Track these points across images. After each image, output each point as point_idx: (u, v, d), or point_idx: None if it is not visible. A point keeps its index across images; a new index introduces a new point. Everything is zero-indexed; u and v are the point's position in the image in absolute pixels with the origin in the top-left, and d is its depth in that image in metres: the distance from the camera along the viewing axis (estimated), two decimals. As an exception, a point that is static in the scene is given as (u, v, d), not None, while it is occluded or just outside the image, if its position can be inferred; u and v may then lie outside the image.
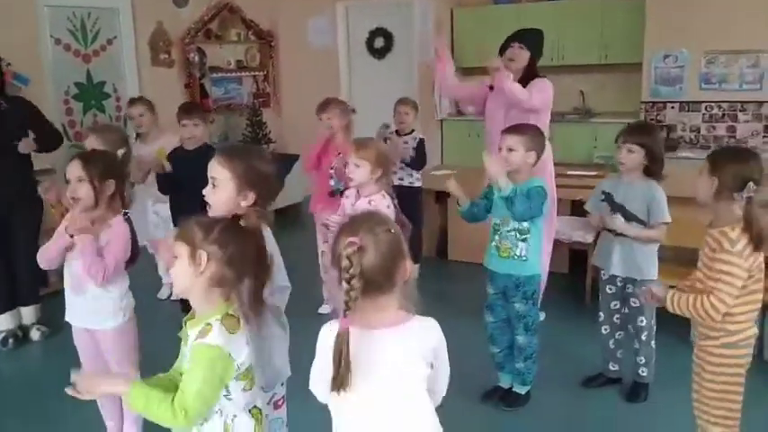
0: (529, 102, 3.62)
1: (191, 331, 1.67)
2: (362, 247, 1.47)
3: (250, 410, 1.72)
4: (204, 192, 2.03)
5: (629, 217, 2.95)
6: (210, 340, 1.61)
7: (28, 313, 4.08)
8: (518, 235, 2.91)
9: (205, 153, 3.52)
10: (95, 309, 2.54)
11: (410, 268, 1.57)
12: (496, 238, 2.97)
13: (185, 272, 1.65)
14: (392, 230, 1.54)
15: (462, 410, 2.97)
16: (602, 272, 3.16)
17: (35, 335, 4.05)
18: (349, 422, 1.61)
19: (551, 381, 3.29)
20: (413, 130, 4.59)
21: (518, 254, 2.92)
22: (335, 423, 1.64)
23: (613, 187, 3.03)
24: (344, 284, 1.46)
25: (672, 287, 2.36)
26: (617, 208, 2.98)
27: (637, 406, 3.12)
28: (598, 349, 3.43)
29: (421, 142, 4.56)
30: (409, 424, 1.60)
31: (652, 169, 2.94)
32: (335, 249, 1.52)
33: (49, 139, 4.07)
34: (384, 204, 2.98)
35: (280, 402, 2.11)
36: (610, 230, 3.03)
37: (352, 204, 3.13)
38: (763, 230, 2.17)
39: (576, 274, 4.66)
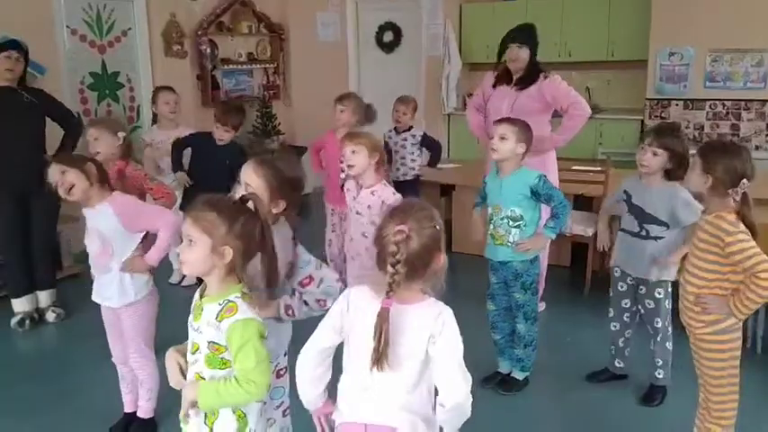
0: (580, 108, 3.72)
1: (207, 306, 1.76)
2: (410, 236, 1.58)
3: None
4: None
5: (647, 220, 2.92)
6: (243, 315, 1.70)
7: (44, 297, 4.21)
8: (510, 222, 2.98)
9: (231, 149, 3.99)
10: (117, 286, 2.68)
11: (443, 261, 1.67)
12: (491, 226, 3.05)
13: (203, 260, 1.72)
14: (437, 227, 1.65)
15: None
16: (615, 268, 3.14)
17: (50, 316, 4.17)
18: (348, 384, 1.74)
19: (550, 370, 3.38)
20: (411, 127, 4.60)
21: (511, 240, 3.00)
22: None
23: (633, 187, 2.99)
24: (390, 268, 1.58)
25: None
26: (634, 210, 2.96)
27: (631, 398, 3.16)
28: (597, 342, 3.51)
29: (425, 137, 4.59)
30: (396, 397, 1.68)
31: (675, 173, 2.83)
32: (381, 231, 1.63)
33: (74, 127, 4.22)
34: (389, 192, 3.02)
35: (282, 372, 2.21)
36: (625, 230, 3.03)
37: (354, 197, 3.14)
38: (755, 225, 2.24)
39: (577, 267, 4.74)
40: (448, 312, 1.68)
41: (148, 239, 2.75)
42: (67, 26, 5.40)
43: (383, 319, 1.59)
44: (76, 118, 4.41)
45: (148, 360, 2.83)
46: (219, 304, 1.73)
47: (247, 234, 1.74)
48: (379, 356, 1.60)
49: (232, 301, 1.73)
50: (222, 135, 4.03)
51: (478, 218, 3.16)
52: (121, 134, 3.26)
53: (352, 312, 1.71)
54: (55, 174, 2.61)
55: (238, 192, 2.10)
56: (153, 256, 2.67)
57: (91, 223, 2.67)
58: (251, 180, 2.06)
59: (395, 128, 4.63)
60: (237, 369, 1.69)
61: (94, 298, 2.78)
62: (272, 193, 2.04)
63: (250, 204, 1.81)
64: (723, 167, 2.24)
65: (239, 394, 1.68)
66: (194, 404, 1.75)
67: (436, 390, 1.72)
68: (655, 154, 2.84)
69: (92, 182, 2.61)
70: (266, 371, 1.70)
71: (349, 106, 4.19)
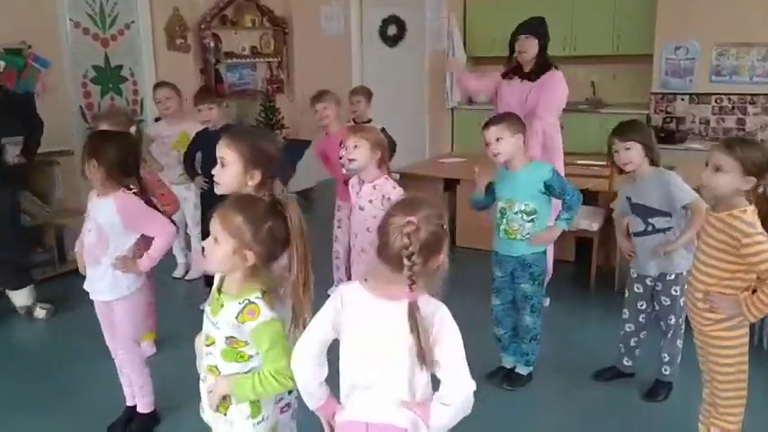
0: (552, 105, 3.75)
1: (228, 304, 1.77)
2: (418, 228, 1.56)
3: None
4: (213, 171, 2.15)
5: (650, 213, 2.92)
6: (265, 317, 1.73)
7: (22, 295, 4.10)
8: (525, 216, 2.96)
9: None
10: (109, 280, 2.67)
11: (442, 262, 1.64)
12: (504, 221, 3.02)
13: (226, 260, 1.73)
14: (444, 227, 1.63)
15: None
16: (632, 270, 3.12)
17: (40, 313, 4.10)
18: (348, 383, 1.72)
19: (554, 366, 3.37)
20: (369, 120, 4.44)
21: (525, 234, 2.98)
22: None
23: (630, 190, 3.01)
24: (406, 261, 1.55)
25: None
26: (637, 209, 2.96)
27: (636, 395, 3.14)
28: (602, 337, 3.51)
29: (383, 131, 4.52)
30: (399, 395, 1.66)
31: (655, 160, 2.93)
32: (388, 222, 1.59)
33: (37, 133, 4.18)
34: (390, 186, 2.99)
35: None
36: (633, 233, 3.02)
37: (357, 193, 3.14)
38: None
39: (581, 262, 4.71)
40: (444, 310, 1.65)
41: (145, 238, 2.73)
42: (71, 19, 5.38)
43: (413, 314, 1.57)
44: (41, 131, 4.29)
45: (135, 356, 2.81)
46: (240, 303, 1.74)
47: (272, 239, 1.75)
48: (423, 353, 1.57)
49: (253, 303, 1.74)
50: (207, 115, 3.98)
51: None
52: (133, 128, 3.26)
53: (346, 310, 1.69)
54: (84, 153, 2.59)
55: (215, 169, 2.12)
56: (145, 263, 2.67)
57: (93, 213, 2.66)
58: (224, 154, 2.08)
59: (353, 119, 4.48)
60: (271, 368, 1.74)
61: (86, 287, 2.76)
62: (246, 165, 2.06)
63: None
64: (765, 168, 2.17)
65: (278, 388, 1.76)
66: (225, 397, 1.80)
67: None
68: (627, 149, 2.90)
69: (108, 174, 2.59)
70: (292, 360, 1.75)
71: (329, 102, 4.17)
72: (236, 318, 1.74)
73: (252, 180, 2.08)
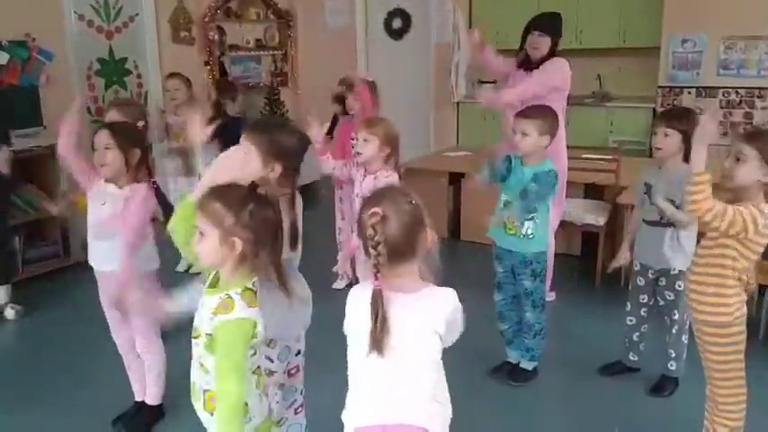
0: (531, 91, 3.62)
1: (209, 298, 1.73)
2: (385, 216, 1.54)
3: (253, 371, 1.79)
4: None
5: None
6: (237, 314, 1.67)
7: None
8: (526, 213, 2.93)
9: (232, 125, 3.75)
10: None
11: (432, 238, 1.62)
12: (505, 214, 3.00)
13: (215, 252, 1.69)
14: (413, 201, 1.61)
15: (471, 384, 3.06)
16: (635, 262, 3.10)
17: (9, 314, 4.06)
18: (361, 384, 1.68)
19: (559, 361, 3.36)
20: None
21: (524, 233, 2.96)
22: (351, 385, 1.72)
23: (653, 177, 2.94)
24: (372, 251, 1.54)
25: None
26: (657, 199, 2.88)
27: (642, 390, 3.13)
28: (607, 332, 3.49)
29: None
30: (414, 394, 1.64)
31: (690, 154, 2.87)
32: (360, 219, 1.59)
33: None
34: (383, 177, 2.99)
35: (293, 371, 2.18)
36: (646, 221, 2.97)
37: (360, 182, 3.16)
38: None
39: (587, 256, 4.69)
40: (456, 298, 1.65)
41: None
42: (75, 11, 5.37)
43: (377, 300, 1.55)
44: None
45: (154, 344, 2.79)
46: (220, 298, 1.71)
47: (257, 223, 1.70)
48: (378, 340, 1.55)
49: (231, 297, 1.70)
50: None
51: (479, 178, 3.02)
52: (140, 124, 3.24)
53: (348, 307, 1.69)
54: (100, 141, 2.55)
55: None
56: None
57: (111, 198, 2.60)
58: (245, 146, 2.07)
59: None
60: (221, 391, 1.65)
61: (93, 262, 2.68)
62: (265, 158, 2.04)
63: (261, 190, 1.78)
64: None
65: (222, 414, 1.64)
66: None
67: None
68: (666, 135, 2.82)
69: (128, 167, 2.57)
70: (240, 379, 1.66)
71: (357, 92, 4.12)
72: (212, 313, 1.70)
73: (272, 173, 2.05)
